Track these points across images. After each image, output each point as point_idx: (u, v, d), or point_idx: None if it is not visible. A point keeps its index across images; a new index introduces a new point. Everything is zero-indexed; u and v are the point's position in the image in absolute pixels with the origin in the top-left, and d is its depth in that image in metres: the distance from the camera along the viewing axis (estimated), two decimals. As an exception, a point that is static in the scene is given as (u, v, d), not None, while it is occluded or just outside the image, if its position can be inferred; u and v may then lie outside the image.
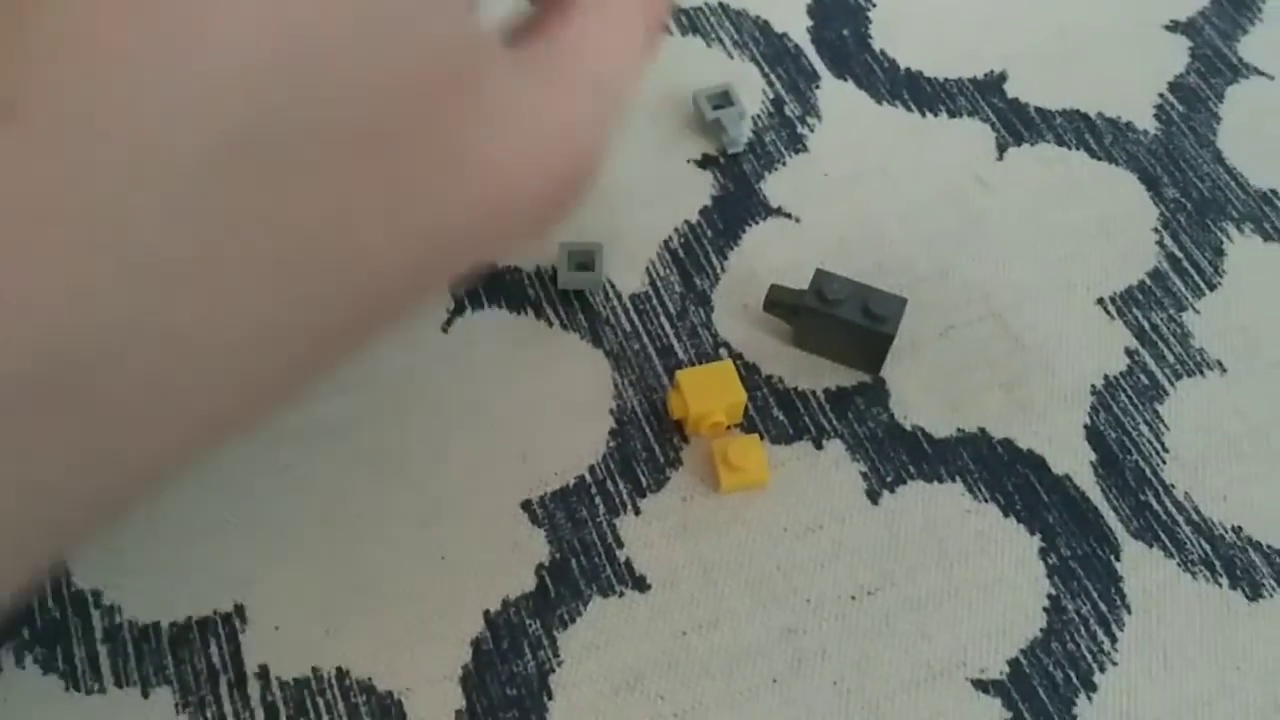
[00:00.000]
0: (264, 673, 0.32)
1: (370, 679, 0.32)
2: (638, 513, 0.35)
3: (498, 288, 0.39)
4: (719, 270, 0.39)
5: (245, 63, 0.20)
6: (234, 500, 0.35)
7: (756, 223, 0.41)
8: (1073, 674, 0.33)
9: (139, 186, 0.19)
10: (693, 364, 0.37)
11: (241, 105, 0.20)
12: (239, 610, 0.33)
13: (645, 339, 0.38)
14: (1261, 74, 0.45)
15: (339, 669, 0.32)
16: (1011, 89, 0.44)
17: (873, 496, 0.35)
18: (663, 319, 0.38)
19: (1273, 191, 0.42)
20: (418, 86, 0.22)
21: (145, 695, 0.32)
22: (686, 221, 0.40)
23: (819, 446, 0.36)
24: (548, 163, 0.25)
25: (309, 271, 0.21)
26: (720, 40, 0.45)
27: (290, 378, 0.23)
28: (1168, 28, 0.46)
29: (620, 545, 0.34)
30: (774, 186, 0.41)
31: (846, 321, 0.36)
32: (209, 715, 0.32)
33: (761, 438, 0.36)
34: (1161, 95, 0.44)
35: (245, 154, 0.20)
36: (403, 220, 0.23)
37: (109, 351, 0.19)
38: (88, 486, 0.21)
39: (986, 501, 0.35)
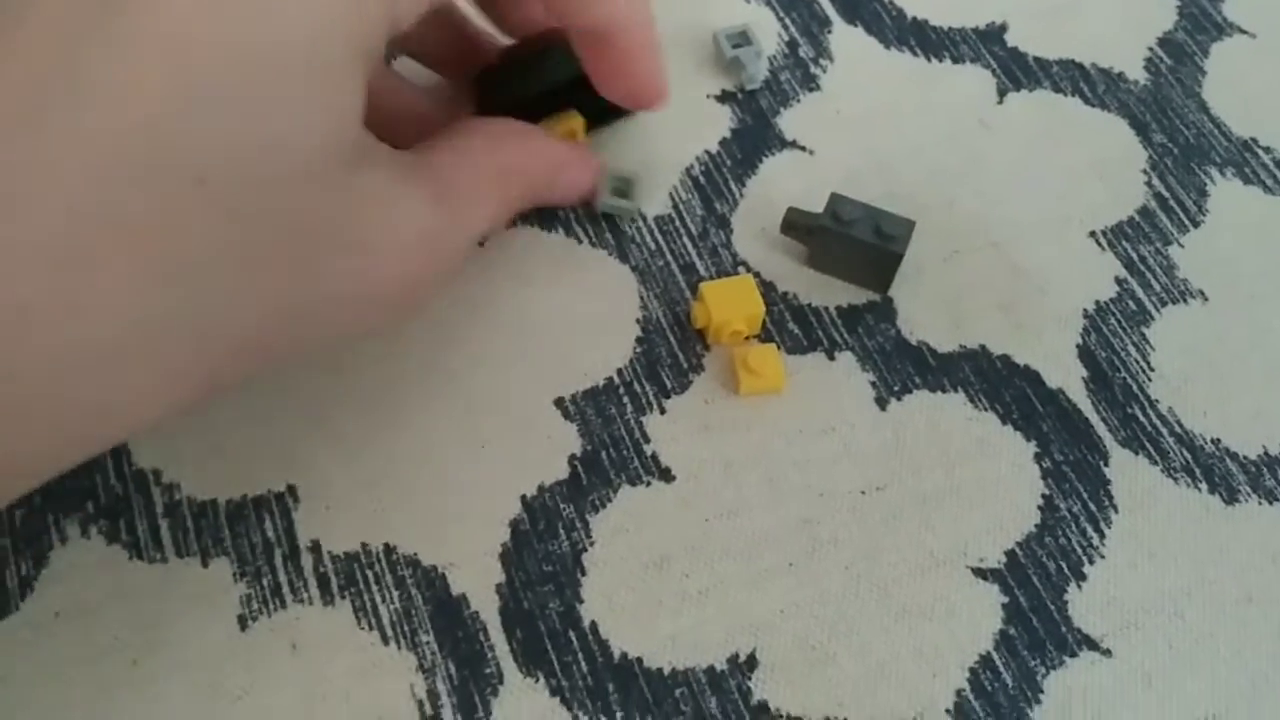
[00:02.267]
0: (316, 547, 0.34)
1: (416, 554, 0.34)
2: (663, 412, 0.37)
3: (530, 210, 0.41)
4: (738, 196, 0.42)
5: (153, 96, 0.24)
6: (285, 394, 0.37)
7: (772, 154, 0.43)
8: (1064, 565, 0.35)
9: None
10: (713, 280, 0.40)
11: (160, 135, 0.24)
12: (291, 490, 0.35)
13: (669, 257, 0.40)
14: (1244, 32, 0.48)
15: (386, 545, 0.35)
16: (1012, 39, 0.47)
17: (881, 404, 0.38)
18: (685, 239, 0.41)
19: (1253, 139, 0.45)
20: (305, 154, 0.27)
21: (205, 565, 0.34)
22: (707, 151, 0.43)
23: (831, 358, 0.39)
24: (407, 252, 0.30)
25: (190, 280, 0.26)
26: (737, -14, 0.47)
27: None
28: (1158, -12, 0.49)
29: (647, 440, 0.37)
30: (789, 121, 0.44)
31: (859, 240, 0.38)
32: (265, 584, 0.34)
33: (778, 348, 0.38)
34: (1151, 49, 0.47)
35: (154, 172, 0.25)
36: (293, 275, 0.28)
37: None
38: None
39: (986, 410, 0.38)
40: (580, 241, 0.41)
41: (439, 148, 0.33)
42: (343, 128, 0.28)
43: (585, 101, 0.40)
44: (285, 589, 0.34)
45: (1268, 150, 0.44)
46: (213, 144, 0.25)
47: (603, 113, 0.41)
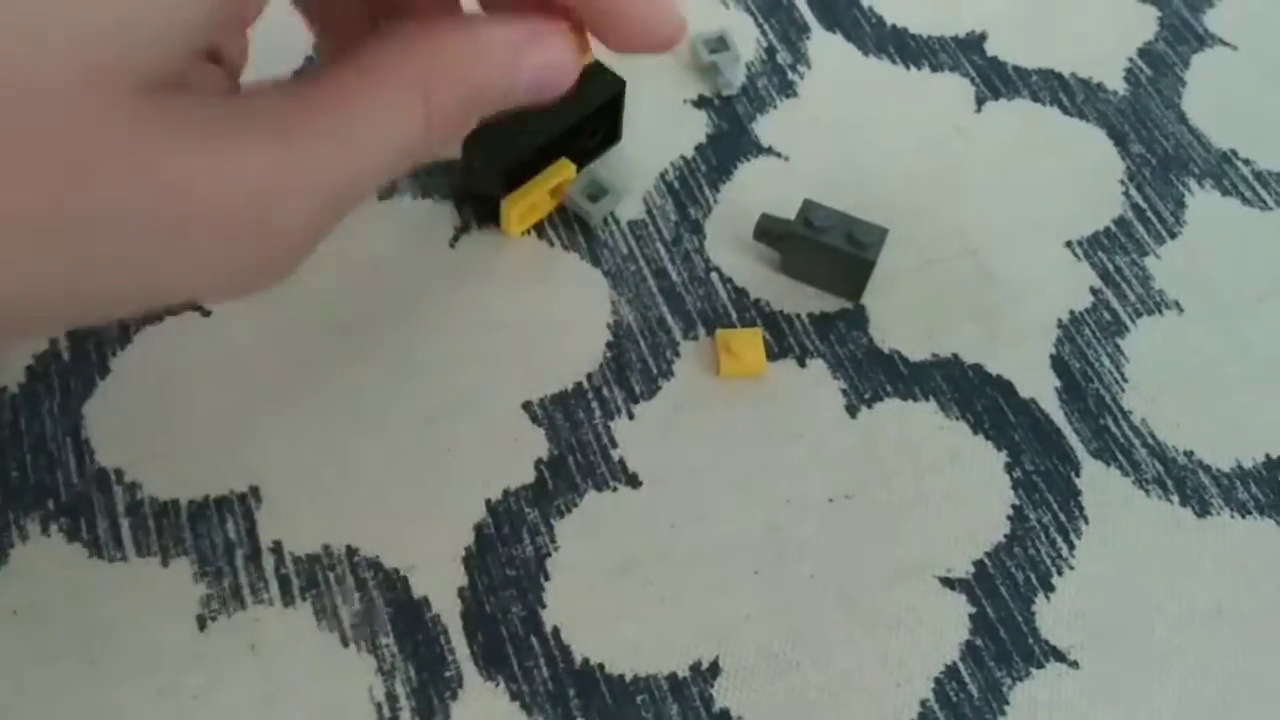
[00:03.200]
0: (278, 548, 0.34)
1: (378, 556, 0.34)
2: (631, 417, 0.37)
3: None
4: (712, 202, 0.42)
5: None
6: (251, 393, 0.37)
7: (748, 160, 0.43)
8: (1032, 575, 0.35)
9: None
10: (685, 286, 0.39)
11: None
12: (254, 491, 0.35)
13: (641, 261, 0.40)
14: (1225, 44, 0.48)
15: (349, 547, 0.34)
16: (991, 48, 0.47)
17: (852, 411, 0.38)
18: (658, 244, 0.41)
19: (1232, 151, 0.44)
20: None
21: (165, 564, 0.34)
22: (682, 156, 0.43)
23: (802, 365, 0.38)
24: (226, 222, 0.22)
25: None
26: (718, -8, 0.47)
27: None
28: (1139, -1, 0.49)
29: (615, 445, 0.36)
30: (765, 127, 0.44)
31: (831, 247, 0.38)
32: (225, 585, 0.34)
33: (764, 334, 0.38)
34: (1131, 60, 0.47)
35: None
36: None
37: None
38: None
39: (958, 420, 0.38)
40: (552, 244, 0.40)
41: (331, 69, 0.24)
42: (162, 40, 0.20)
43: (572, 145, 0.40)
44: (246, 589, 0.33)
45: (1247, 162, 0.44)
46: None
47: (590, 151, 0.41)
